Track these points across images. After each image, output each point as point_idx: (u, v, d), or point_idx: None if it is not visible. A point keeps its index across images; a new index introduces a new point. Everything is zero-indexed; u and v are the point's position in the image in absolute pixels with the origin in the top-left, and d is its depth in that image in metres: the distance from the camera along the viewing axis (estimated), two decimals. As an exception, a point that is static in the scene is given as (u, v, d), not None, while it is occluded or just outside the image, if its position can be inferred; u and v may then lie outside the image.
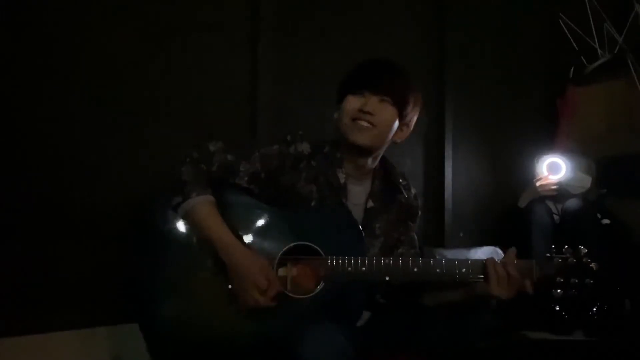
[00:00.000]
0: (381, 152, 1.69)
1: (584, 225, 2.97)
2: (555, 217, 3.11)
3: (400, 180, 1.74)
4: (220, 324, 1.49)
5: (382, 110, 1.61)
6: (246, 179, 1.59)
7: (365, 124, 1.59)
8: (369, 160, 1.67)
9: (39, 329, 1.89)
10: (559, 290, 1.50)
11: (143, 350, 1.52)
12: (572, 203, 3.07)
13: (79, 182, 2.04)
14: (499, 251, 3.01)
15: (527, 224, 3.05)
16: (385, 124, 1.62)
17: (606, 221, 3.09)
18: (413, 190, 1.77)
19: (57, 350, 1.93)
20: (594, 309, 2.66)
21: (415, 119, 1.71)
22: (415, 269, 1.51)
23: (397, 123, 1.64)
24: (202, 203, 1.51)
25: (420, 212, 1.78)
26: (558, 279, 1.51)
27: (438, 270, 1.51)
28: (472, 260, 1.54)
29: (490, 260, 1.52)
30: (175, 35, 2.30)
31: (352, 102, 1.61)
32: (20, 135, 1.93)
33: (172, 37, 2.29)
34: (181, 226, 1.55)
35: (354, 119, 1.60)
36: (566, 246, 1.54)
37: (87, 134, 2.06)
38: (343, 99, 1.64)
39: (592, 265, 1.51)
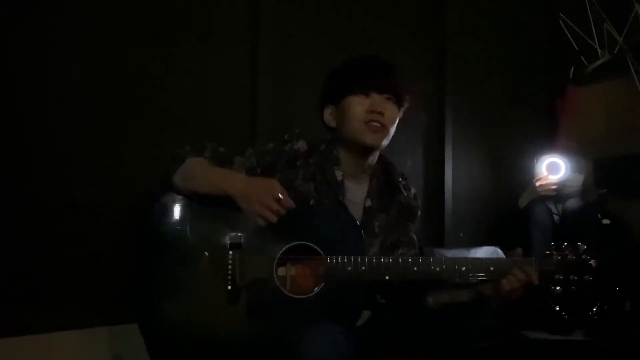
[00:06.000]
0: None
1: (584, 226, 2.97)
2: (555, 217, 3.11)
3: (400, 180, 1.74)
4: (220, 324, 1.49)
5: (389, 109, 1.63)
6: (243, 173, 1.59)
7: (378, 124, 1.60)
8: (370, 158, 1.68)
9: (39, 329, 1.89)
10: (558, 287, 1.51)
11: (143, 350, 1.52)
12: (572, 203, 3.07)
13: (79, 182, 2.04)
14: (499, 251, 3.01)
15: (527, 224, 3.05)
16: (392, 123, 1.64)
17: (606, 221, 3.09)
18: (413, 190, 1.77)
19: (57, 350, 1.93)
20: (594, 309, 2.66)
21: None
22: (415, 268, 1.51)
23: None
24: (196, 160, 1.53)
25: (419, 213, 1.78)
26: (557, 275, 1.51)
27: (438, 269, 1.51)
28: (471, 258, 1.54)
29: (516, 264, 1.51)
30: (175, 36, 2.30)
31: (359, 104, 1.61)
32: (21, 135, 1.94)
33: (172, 37, 2.29)
34: (181, 227, 1.55)
35: (366, 121, 1.60)
36: (565, 243, 1.54)
37: (85, 133, 2.06)
38: (338, 99, 1.64)
39: (592, 262, 1.51)
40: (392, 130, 1.65)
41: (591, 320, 2.65)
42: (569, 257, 1.52)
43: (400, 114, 1.69)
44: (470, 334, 1.54)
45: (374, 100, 1.61)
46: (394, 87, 1.64)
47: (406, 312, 1.62)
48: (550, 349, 2.58)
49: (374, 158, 1.69)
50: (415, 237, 1.76)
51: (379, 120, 1.60)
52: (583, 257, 1.52)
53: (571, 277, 1.50)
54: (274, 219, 1.46)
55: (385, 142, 1.64)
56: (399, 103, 1.66)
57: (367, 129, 1.60)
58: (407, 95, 1.67)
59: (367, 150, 1.64)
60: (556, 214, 3.12)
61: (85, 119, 2.06)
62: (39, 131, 1.97)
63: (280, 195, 1.46)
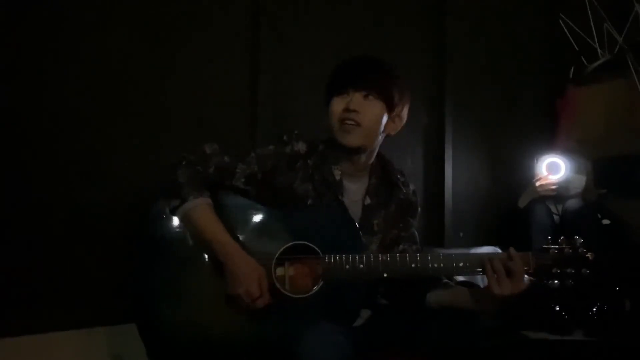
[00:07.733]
0: (376, 148, 1.68)
1: (584, 226, 2.96)
2: (555, 217, 3.11)
3: (398, 177, 1.74)
4: (219, 324, 1.49)
5: (367, 106, 1.60)
6: (243, 180, 1.59)
7: (351, 122, 1.58)
8: (363, 157, 1.67)
9: (39, 329, 1.90)
10: (555, 281, 1.50)
11: (142, 350, 1.52)
12: (572, 203, 3.07)
13: (79, 183, 2.04)
14: (499, 251, 3.00)
15: (527, 224, 3.05)
16: (372, 120, 1.61)
17: (606, 221, 3.08)
18: (412, 187, 1.76)
19: (57, 350, 1.93)
20: (594, 309, 2.66)
21: (406, 109, 1.70)
22: (412, 265, 1.51)
23: (386, 116, 1.63)
24: (200, 205, 1.51)
25: (419, 208, 1.77)
26: (554, 269, 1.51)
27: (436, 265, 1.51)
28: (469, 254, 1.55)
29: (487, 256, 1.51)
30: (175, 36, 2.30)
31: (338, 104, 1.61)
32: (21, 136, 1.94)
33: (172, 38, 2.29)
34: (180, 228, 1.55)
35: (341, 120, 1.59)
36: (562, 237, 1.54)
37: (85, 133, 2.06)
38: (328, 102, 1.64)
39: (588, 255, 1.50)
40: (375, 127, 1.61)
41: (591, 320, 2.65)
42: (565, 250, 1.51)
43: (404, 106, 1.67)
44: (470, 333, 1.54)
45: (351, 99, 1.59)
46: (372, 83, 1.60)
47: (406, 312, 1.62)
48: (550, 349, 2.58)
49: (368, 156, 1.68)
50: (416, 232, 1.75)
51: (353, 118, 1.58)
52: (580, 250, 1.51)
53: (568, 270, 1.50)
54: (248, 309, 1.46)
55: (365, 141, 1.61)
56: (383, 98, 1.61)
57: (341, 129, 1.60)
58: (394, 88, 1.63)
59: (349, 150, 1.62)
60: (556, 214, 3.12)
61: (85, 119, 2.06)
62: (39, 131, 1.97)
63: (261, 290, 1.45)
